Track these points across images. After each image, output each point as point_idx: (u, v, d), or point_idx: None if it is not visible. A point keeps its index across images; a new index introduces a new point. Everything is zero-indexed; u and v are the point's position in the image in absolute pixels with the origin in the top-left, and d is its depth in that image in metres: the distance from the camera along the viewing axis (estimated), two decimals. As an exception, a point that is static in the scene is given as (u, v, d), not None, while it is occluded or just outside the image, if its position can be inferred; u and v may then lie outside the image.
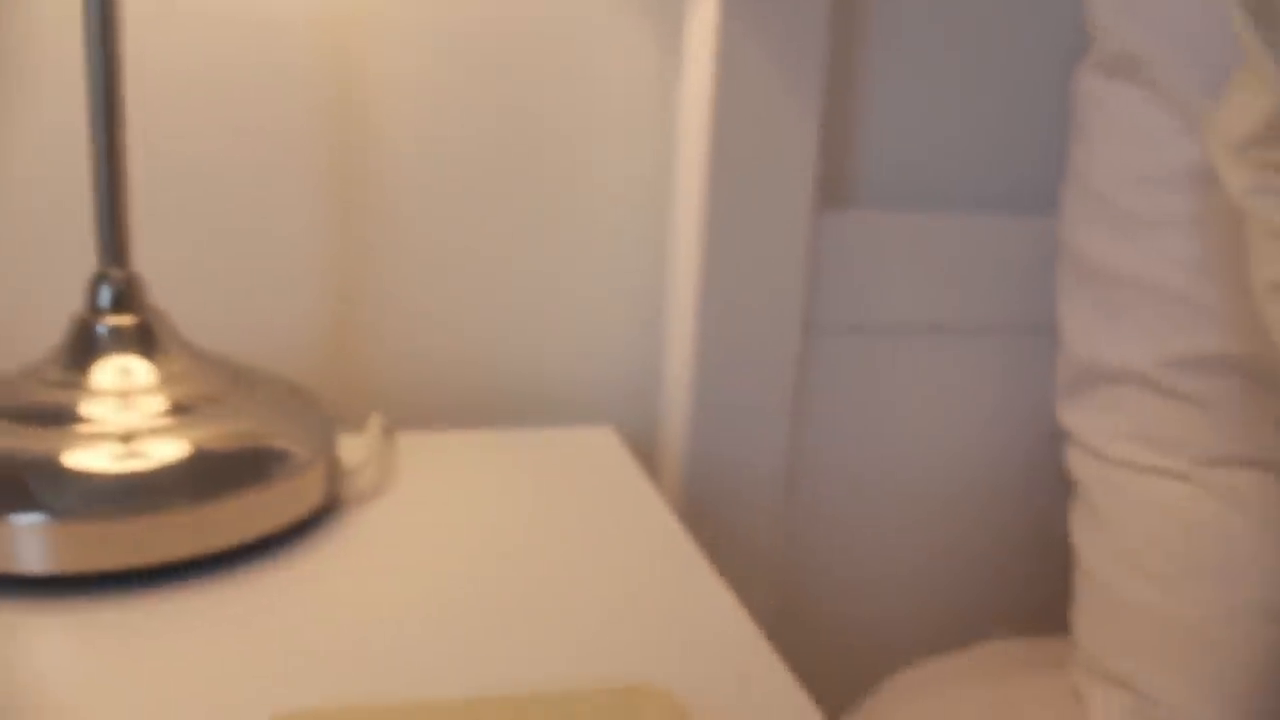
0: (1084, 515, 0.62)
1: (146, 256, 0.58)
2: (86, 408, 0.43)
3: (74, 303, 0.49)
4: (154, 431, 0.43)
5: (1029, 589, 0.76)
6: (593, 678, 0.36)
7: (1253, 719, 0.55)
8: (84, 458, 0.41)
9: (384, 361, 0.64)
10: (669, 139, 0.64)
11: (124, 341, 0.45)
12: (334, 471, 0.48)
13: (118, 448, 0.42)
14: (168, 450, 0.42)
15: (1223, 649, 0.55)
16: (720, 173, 0.61)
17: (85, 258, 0.54)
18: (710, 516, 0.65)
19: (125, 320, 0.45)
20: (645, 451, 0.69)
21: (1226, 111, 0.49)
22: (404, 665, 0.37)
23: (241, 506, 0.43)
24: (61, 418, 0.43)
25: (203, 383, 0.46)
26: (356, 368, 0.63)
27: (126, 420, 0.43)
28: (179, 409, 0.44)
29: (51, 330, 0.55)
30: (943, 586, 0.75)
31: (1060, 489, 0.72)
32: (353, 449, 0.54)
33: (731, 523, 0.66)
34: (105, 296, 0.46)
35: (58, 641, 0.37)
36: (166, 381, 0.45)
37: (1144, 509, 0.58)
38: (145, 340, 0.46)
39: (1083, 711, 0.60)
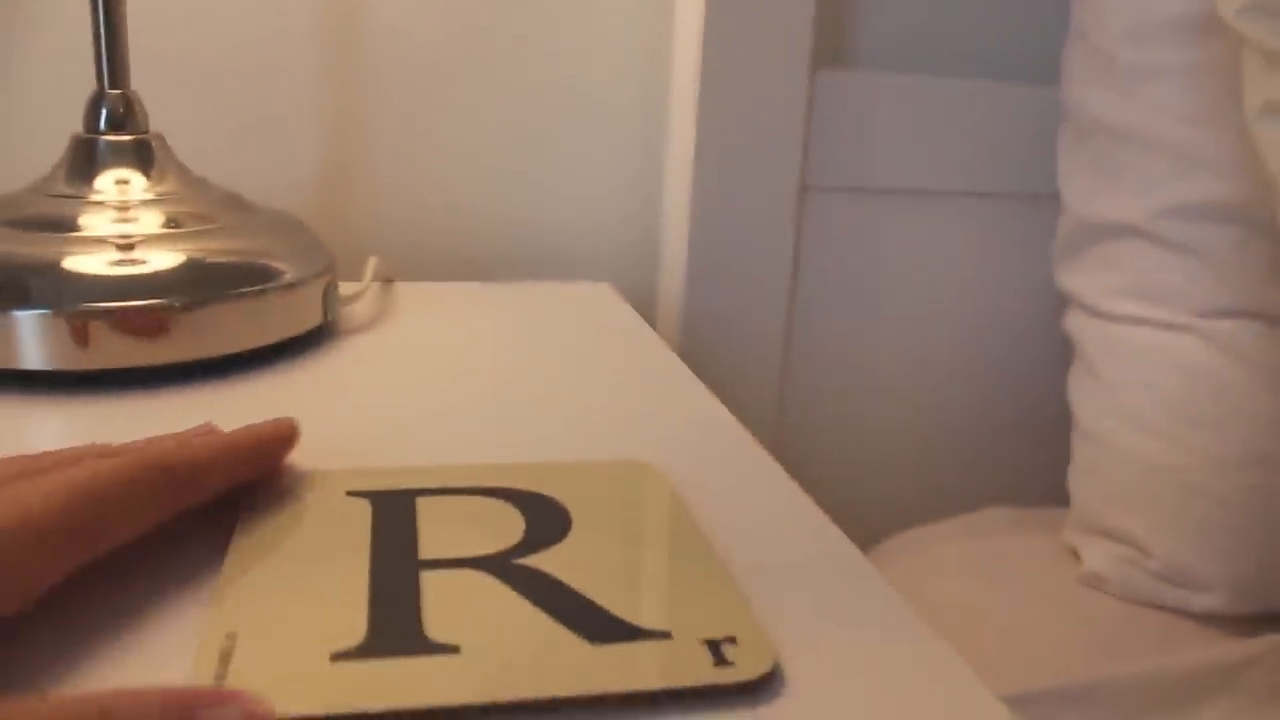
0: (1082, 374, 0.62)
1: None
2: (86, 218, 0.44)
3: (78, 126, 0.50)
4: (151, 240, 0.43)
5: (1025, 460, 0.77)
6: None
7: (1241, 567, 0.56)
8: (84, 261, 0.42)
9: (382, 218, 0.64)
10: (667, -4, 0.64)
11: (122, 157, 0.46)
12: (331, 295, 0.49)
13: (116, 254, 0.43)
14: (165, 258, 0.43)
15: (1215, 499, 0.55)
16: (716, 30, 0.61)
17: (88, 83, 0.55)
18: (707, 376, 0.66)
19: (123, 138, 0.46)
20: (644, 313, 0.69)
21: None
22: (399, 449, 0.37)
23: (237, 315, 0.44)
24: (62, 226, 0.43)
25: (199, 203, 0.47)
26: (354, 222, 0.64)
27: (124, 229, 0.44)
28: (175, 223, 0.45)
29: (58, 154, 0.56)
30: (937, 454, 0.75)
31: (1057, 359, 0.72)
32: (350, 289, 0.55)
33: (729, 383, 0.66)
34: (103, 116, 0.46)
35: (57, 432, 0.38)
36: (163, 199, 0.46)
37: (1142, 362, 0.58)
38: (143, 158, 0.46)
39: (1075, 566, 0.60)
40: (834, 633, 0.27)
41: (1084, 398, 0.62)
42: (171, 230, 0.44)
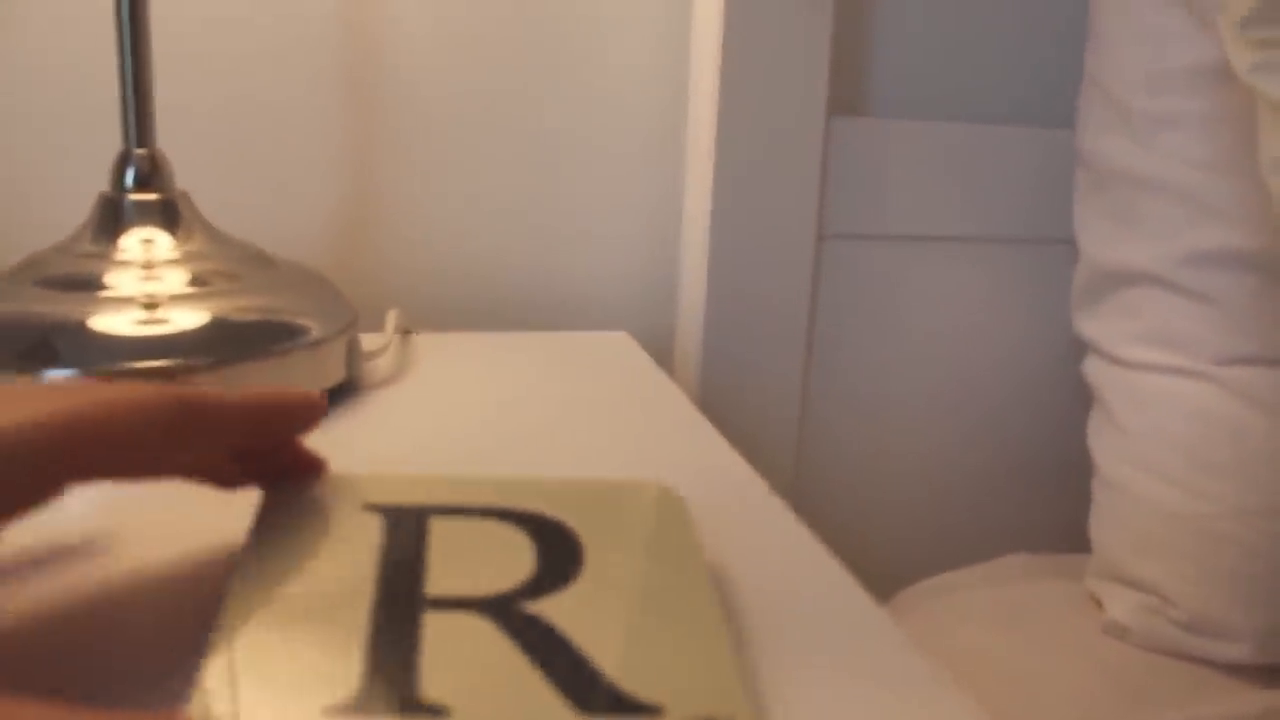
0: (1101, 422, 0.62)
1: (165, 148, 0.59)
2: (112, 277, 0.44)
3: (104, 185, 0.51)
4: (176, 299, 0.44)
5: (1044, 504, 0.76)
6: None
7: (1266, 616, 0.55)
8: (109, 321, 0.42)
9: (400, 269, 0.65)
10: (683, 45, 0.65)
11: (148, 217, 0.46)
12: (354, 352, 0.49)
13: (141, 313, 0.43)
14: (190, 318, 0.44)
15: (1236, 546, 0.55)
16: (733, 78, 0.61)
17: (114, 142, 0.56)
18: (724, 423, 0.66)
19: (149, 197, 0.47)
20: (661, 361, 0.69)
21: (1234, -9, 0.49)
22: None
23: (262, 374, 0.44)
24: (89, 285, 0.44)
25: (224, 260, 0.47)
26: (373, 273, 0.64)
27: (150, 288, 0.44)
28: (200, 282, 0.45)
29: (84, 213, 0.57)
30: (956, 497, 0.75)
31: (1075, 403, 0.72)
32: (371, 341, 0.55)
33: (747, 429, 0.67)
34: (130, 175, 0.47)
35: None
36: (189, 257, 0.46)
37: (1160, 410, 0.58)
38: (169, 217, 0.47)
39: (1098, 614, 0.60)
40: (851, 692, 0.27)
41: (1103, 444, 0.62)
42: (197, 289, 0.45)
